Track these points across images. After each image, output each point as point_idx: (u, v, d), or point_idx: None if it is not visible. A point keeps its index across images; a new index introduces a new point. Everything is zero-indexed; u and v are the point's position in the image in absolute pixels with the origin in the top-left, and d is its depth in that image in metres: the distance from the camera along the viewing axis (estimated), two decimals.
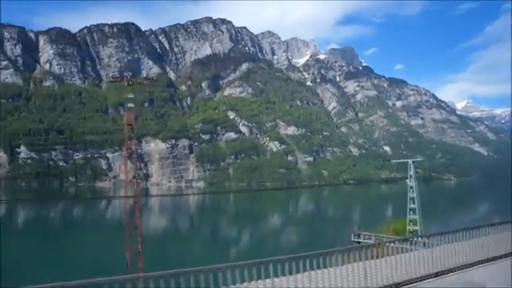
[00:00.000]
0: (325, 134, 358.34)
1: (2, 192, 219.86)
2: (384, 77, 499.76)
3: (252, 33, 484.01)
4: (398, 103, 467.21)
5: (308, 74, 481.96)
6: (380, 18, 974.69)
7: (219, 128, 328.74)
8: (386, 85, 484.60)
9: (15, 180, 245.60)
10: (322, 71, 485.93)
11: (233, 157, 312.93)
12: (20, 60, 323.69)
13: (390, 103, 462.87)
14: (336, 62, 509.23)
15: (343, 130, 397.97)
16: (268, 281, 10.44)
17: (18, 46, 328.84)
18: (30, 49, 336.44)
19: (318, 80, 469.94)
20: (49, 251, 48.29)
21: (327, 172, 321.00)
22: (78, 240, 63.14)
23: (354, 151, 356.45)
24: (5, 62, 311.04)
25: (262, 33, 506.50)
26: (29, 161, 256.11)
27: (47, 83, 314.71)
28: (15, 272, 35.98)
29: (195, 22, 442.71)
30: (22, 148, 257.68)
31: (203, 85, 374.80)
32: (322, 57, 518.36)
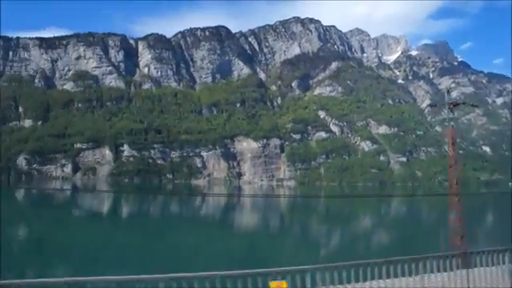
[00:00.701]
0: (418, 133, 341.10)
1: (109, 186, 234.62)
2: (482, 72, 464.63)
3: (340, 31, 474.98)
4: (499, 100, 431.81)
5: (399, 71, 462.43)
6: (476, 9, 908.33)
7: (310, 127, 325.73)
8: (484, 80, 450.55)
9: (119, 176, 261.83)
10: (414, 68, 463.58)
11: (324, 156, 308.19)
12: (122, 65, 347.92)
13: (490, 100, 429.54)
14: (429, 58, 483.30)
15: (438, 129, 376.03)
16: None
17: (120, 53, 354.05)
18: (131, 54, 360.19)
19: (410, 77, 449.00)
20: (150, 242, 48.91)
21: (421, 173, 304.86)
22: (179, 232, 64.12)
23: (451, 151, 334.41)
24: (109, 68, 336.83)
25: (351, 31, 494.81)
26: (131, 159, 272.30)
27: (146, 86, 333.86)
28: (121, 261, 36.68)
29: (284, 22, 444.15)
30: (125, 147, 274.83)
31: (293, 84, 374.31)
32: (413, 53, 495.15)
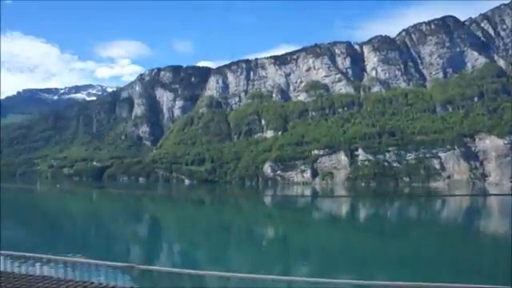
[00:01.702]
0: None
1: (346, 190, 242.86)
2: None
3: None
4: None
5: None
6: None
7: None
8: None
9: (356, 180, 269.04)
10: None
11: None
12: (350, 71, 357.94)
13: None
14: None
15: None
16: None
17: (347, 59, 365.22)
18: (357, 60, 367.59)
19: None
20: (388, 247, 47.38)
21: None
22: (416, 236, 60.80)
23: None
24: (338, 75, 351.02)
25: None
26: (366, 162, 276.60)
27: (375, 89, 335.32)
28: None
29: None
30: (360, 151, 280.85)
31: None
32: None
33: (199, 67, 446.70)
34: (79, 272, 13.60)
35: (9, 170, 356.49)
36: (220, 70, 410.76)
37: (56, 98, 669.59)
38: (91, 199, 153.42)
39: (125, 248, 47.44)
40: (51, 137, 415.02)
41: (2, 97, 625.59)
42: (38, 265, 15.24)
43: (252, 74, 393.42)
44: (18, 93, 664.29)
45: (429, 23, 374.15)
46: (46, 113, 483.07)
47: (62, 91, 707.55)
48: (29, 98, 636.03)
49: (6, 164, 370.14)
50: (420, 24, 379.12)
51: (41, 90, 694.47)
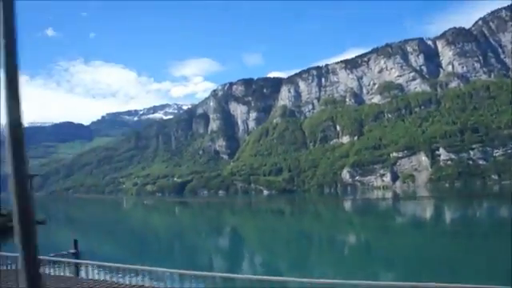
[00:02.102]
0: None
1: (428, 192, 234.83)
2: None
3: None
4: None
5: None
6: None
7: None
8: None
9: (439, 181, 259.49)
10: None
11: None
12: (424, 69, 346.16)
13: None
14: None
15: None
16: None
17: (420, 56, 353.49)
18: (431, 55, 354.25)
19: None
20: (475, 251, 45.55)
21: None
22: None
23: None
24: (412, 74, 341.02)
25: None
26: (449, 162, 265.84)
27: (452, 84, 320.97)
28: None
29: None
30: (441, 150, 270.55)
31: None
32: None
33: (270, 78, 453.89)
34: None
35: (97, 189, 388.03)
36: (291, 79, 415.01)
37: (136, 119, 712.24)
38: (176, 213, 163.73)
39: (208, 258, 52.29)
40: (134, 156, 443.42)
41: (88, 122, 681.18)
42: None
43: (323, 80, 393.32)
44: (102, 117, 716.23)
45: (509, 8, 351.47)
46: (127, 134, 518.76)
47: (141, 112, 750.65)
48: (112, 121, 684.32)
49: (95, 184, 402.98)
50: (499, 10, 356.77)
51: (122, 113, 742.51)
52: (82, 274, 19.15)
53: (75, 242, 30.88)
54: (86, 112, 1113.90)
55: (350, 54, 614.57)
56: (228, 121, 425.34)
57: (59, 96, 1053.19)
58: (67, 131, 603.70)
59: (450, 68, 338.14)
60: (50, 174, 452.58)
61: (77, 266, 19.90)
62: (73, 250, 29.76)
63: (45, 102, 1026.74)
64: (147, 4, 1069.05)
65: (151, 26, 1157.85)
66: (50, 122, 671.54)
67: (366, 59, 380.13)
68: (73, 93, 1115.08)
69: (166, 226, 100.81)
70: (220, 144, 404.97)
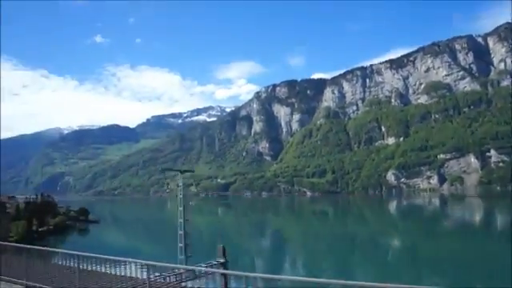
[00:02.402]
0: None
1: (479, 196, 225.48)
2: None
3: None
4: None
5: None
6: None
7: None
8: None
9: (489, 184, 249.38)
10: None
11: None
12: (474, 67, 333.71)
13: None
14: None
15: None
16: None
17: (469, 54, 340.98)
18: (481, 53, 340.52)
19: None
20: None
21: None
22: None
23: None
24: (460, 73, 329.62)
25: None
26: (500, 164, 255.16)
27: (505, 83, 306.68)
28: None
29: None
30: (492, 152, 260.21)
31: None
32: None
33: (314, 79, 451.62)
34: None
35: (143, 190, 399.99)
36: (335, 80, 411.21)
37: (180, 121, 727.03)
38: (224, 214, 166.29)
39: (253, 258, 53.58)
40: (178, 157, 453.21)
41: (134, 125, 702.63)
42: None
43: (368, 80, 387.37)
44: (147, 120, 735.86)
45: None
46: (172, 136, 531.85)
47: (185, 115, 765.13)
48: (156, 123, 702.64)
49: (140, 185, 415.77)
50: None
51: (166, 116, 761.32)
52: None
53: (223, 249, 27.41)
54: (132, 115, 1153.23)
55: (395, 54, 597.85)
56: (271, 122, 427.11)
57: (107, 100, 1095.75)
58: (114, 134, 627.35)
59: (501, 66, 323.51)
60: (98, 175, 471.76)
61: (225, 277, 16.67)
62: (222, 260, 27.01)
63: (93, 106, 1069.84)
64: (191, 10, 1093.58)
65: (195, 31, 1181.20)
66: (97, 125, 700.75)
67: (411, 58, 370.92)
68: (120, 96, 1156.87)
69: (214, 225, 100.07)
70: (263, 146, 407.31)
